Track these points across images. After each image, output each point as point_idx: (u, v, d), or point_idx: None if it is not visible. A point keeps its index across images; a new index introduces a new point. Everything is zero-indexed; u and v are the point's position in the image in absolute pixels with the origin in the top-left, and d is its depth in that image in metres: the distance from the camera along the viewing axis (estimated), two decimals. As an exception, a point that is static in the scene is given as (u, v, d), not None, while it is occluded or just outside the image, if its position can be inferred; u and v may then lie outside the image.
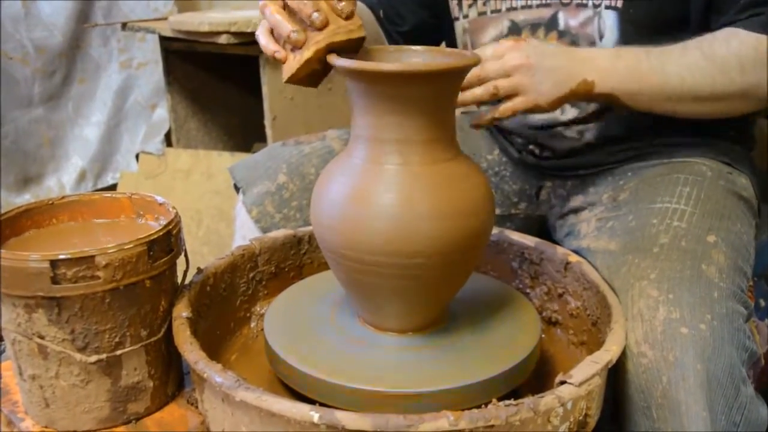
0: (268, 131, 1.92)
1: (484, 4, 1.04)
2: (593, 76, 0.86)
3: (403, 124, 0.70)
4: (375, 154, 0.71)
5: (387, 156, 0.71)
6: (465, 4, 1.06)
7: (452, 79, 0.71)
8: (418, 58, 0.77)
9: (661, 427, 0.70)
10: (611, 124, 1.00)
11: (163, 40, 2.15)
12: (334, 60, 0.69)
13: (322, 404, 0.63)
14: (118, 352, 0.75)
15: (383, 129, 0.71)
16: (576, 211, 1.03)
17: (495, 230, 0.93)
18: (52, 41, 2.47)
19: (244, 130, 2.41)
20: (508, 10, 1.02)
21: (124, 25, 2.21)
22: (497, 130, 1.13)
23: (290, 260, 0.95)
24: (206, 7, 2.71)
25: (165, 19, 2.24)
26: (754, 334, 1.02)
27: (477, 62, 0.71)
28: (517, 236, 0.94)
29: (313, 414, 0.59)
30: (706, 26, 0.92)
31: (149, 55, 2.65)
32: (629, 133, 1.00)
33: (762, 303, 1.16)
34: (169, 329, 0.76)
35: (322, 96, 1.97)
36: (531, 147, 1.08)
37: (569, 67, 0.86)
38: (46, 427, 0.77)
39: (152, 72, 2.66)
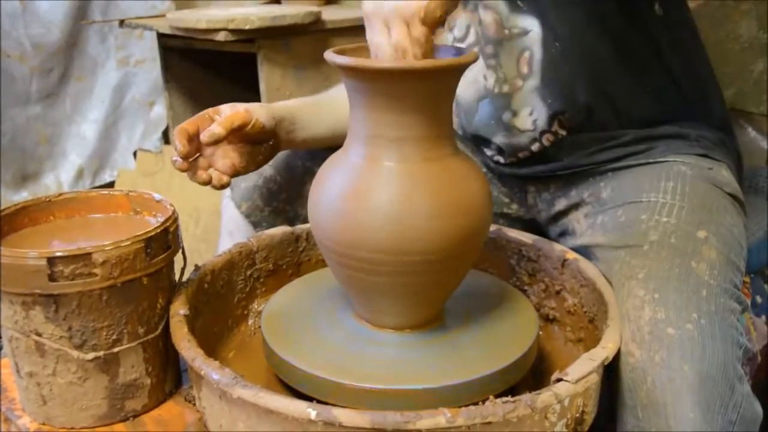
0: (267, 128, 1.92)
1: None
2: None
3: (401, 121, 0.70)
4: (373, 152, 0.71)
5: (385, 153, 0.71)
6: None
7: (450, 75, 0.71)
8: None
9: (646, 426, 0.70)
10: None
11: (161, 37, 2.14)
12: (332, 57, 0.69)
13: (319, 401, 0.63)
14: (116, 350, 0.75)
15: (381, 126, 0.70)
16: (564, 213, 1.01)
17: (493, 227, 0.93)
18: (49, 38, 2.46)
19: (242, 128, 2.40)
20: None
21: (121, 23, 2.20)
22: (469, 140, 1.10)
23: (288, 257, 0.95)
24: (204, 4, 2.70)
25: (163, 16, 2.23)
26: (751, 330, 1.02)
27: (475, 59, 0.71)
28: (514, 233, 0.94)
29: (311, 411, 0.59)
30: None
31: (147, 52, 2.65)
32: (597, 128, 0.97)
33: (759, 300, 1.16)
34: (167, 326, 0.76)
35: (319, 92, 1.97)
36: (496, 158, 1.04)
37: None
38: (43, 424, 0.77)
39: (150, 69, 2.65)
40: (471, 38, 1.00)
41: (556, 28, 0.93)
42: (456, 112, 1.05)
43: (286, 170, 1.04)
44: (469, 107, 1.03)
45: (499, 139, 1.01)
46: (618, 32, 0.93)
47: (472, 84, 1.01)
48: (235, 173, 0.90)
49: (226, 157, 0.89)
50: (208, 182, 0.87)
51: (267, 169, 1.04)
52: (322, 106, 1.02)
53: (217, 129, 0.84)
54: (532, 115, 0.97)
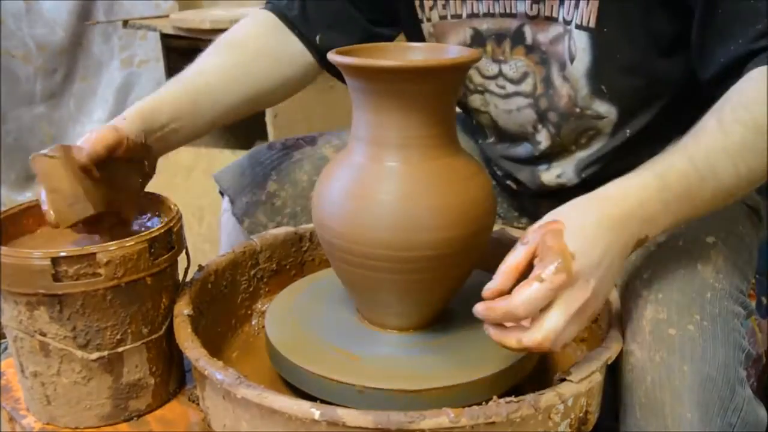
0: (270, 129, 1.92)
1: (444, 7, 0.94)
2: (645, 231, 0.68)
3: (404, 121, 0.70)
4: (376, 152, 0.71)
5: (388, 153, 0.71)
6: (426, 6, 0.95)
7: (452, 74, 0.71)
8: (418, 54, 0.77)
9: (644, 426, 0.70)
10: (595, 171, 0.94)
11: (165, 37, 2.15)
12: (335, 57, 0.70)
13: (323, 401, 0.63)
14: (120, 350, 0.75)
15: (384, 126, 0.71)
16: None
17: (496, 227, 0.93)
18: (53, 38, 2.47)
19: (245, 128, 2.39)
20: (469, 16, 0.92)
21: (125, 23, 2.21)
22: (481, 158, 1.07)
23: (291, 257, 0.95)
24: (208, 5, 2.71)
25: (166, 16, 2.23)
26: (756, 332, 1.02)
27: (478, 58, 0.71)
28: (518, 233, 0.94)
29: (314, 411, 0.59)
30: (699, 49, 0.80)
31: (150, 52, 2.65)
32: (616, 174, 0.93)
33: (765, 301, 1.15)
34: (171, 326, 0.76)
35: (323, 93, 1.97)
36: (508, 182, 1.03)
37: (619, 242, 0.66)
38: (47, 424, 0.77)
39: (154, 70, 2.65)
40: (526, 87, 0.92)
41: (633, 118, 0.90)
42: (495, 131, 1.01)
43: (290, 185, 1.02)
44: (513, 140, 0.99)
45: (523, 176, 0.99)
46: (690, 121, 0.82)
47: (516, 121, 0.95)
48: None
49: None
50: None
51: (270, 184, 1.01)
52: (200, 102, 0.90)
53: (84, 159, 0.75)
54: (560, 177, 0.96)
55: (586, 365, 0.65)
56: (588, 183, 0.91)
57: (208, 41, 1.92)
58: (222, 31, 1.79)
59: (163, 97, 0.88)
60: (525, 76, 0.92)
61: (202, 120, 0.90)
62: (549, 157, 0.96)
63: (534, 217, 1.05)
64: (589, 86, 0.87)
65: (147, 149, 0.82)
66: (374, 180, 0.70)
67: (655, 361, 0.70)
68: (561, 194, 0.98)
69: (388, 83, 0.68)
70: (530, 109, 0.93)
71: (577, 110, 0.89)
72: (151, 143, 0.83)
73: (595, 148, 0.93)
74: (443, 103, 0.71)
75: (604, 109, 0.89)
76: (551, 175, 0.97)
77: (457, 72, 0.71)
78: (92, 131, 0.77)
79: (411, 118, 0.70)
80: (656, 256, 0.79)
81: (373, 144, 0.71)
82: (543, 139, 0.94)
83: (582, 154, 0.94)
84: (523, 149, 0.98)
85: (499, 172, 1.04)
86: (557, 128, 0.92)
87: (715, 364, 0.69)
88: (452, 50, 0.77)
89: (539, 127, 0.94)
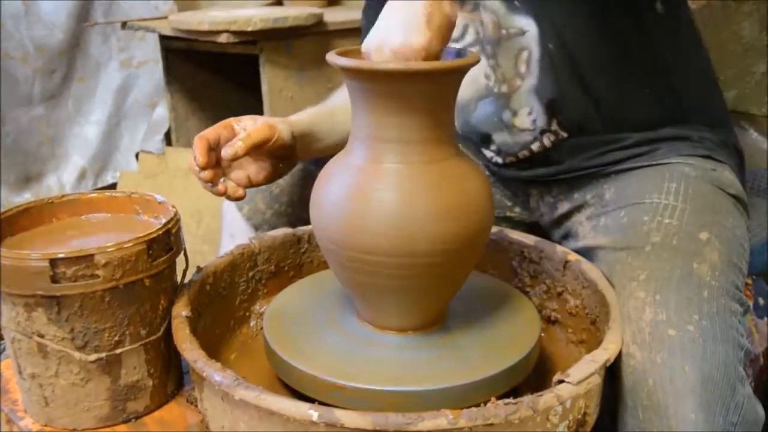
0: (269, 130, 1.92)
1: None
2: None
3: (403, 123, 0.70)
4: (375, 154, 0.71)
5: (387, 155, 0.71)
6: None
7: (452, 77, 0.71)
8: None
9: (647, 427, 0.70)
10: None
11: (163, 38, 2.15)
12: (334, 59, 0.70)
13: (321, 403, 0.63)
14: (118, 351, 0.75)
15: (383, 128, 0.71)
16: (566, 216, 1.01)
17: (494, 229, 0.93)
18: (52, 40, 2.47)
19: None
20: None
21: (124, 24, 2.21)
22: (471, 143, 1.09)
23: (290, 259, 0.96)
24: (206, 6, 2.71)
25: (165, 17, 2.23)
26: (753, 332, 1.02)
27: (477, 61, 0.71)
28: (516, 235, 0.94)
29: (312, 412, 0.59)
30: None
31: (149, 53, 2.65)
32: (598, 131, 0.96)
33: (761, 301, 1.16)
34: (169, 328, 0.76)
35: (322, 95, 1.97)
36: (492, 154, 1.04)
37: None
38: (45, 425, 0.77)
39: (152, 71, 2.65)
40: (469, 38, 0.99)
41: (552, 27, 0.93)
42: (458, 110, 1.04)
43: (288, 173, 1.04)
44: (466, 106, 1.02)
45: (499, 137, 1.01)
46: (617, 31, 0.92)
47: (471, 83, 1.00)
48: (250, 186, 0.90)
49: (241, 168, 0.89)
50: (223, 194, 0.87)
51: None
52: (337, 113, 1.01)
53: (239, 148, 0.84)
54: (531, 114, 0.97)
55: (585, 367, 0.65)
56: (559, 123, 0.96)
57: (207, 42, 1.92)
58: (220, 32, 1.81)
59: (306, 110, 1.02)
60: (465, 29, 0.99)
61: (339, 129, 0.98)
62: (504, 98, 0.98)
63: (525, 205, 1.06)
64: (504, 5, 0.94)
65: (291, 151, 0.93)
66: (373, 182, 0.70)
67: (656, 363, 0.70)
68: (547, 182, 1.00)
69: (387, 85, 0.68)
70: (482, 58, 0.98)
71: (503, 32, 0.95)
72: (293, 144, 0.93)
73: (535, 73, 0.95)
74: (442, 105, 0.71)
75: (524, 22, 0.94)
76: (521, 118, 0.98)
77: (455, 75, 0.71)
78: (250, 118, 0.90)
79: (410, 119, 0.70)
80: (651, 257, 0.79)
81: (372, 145, 0.71)
82: (492, 81, 0.98)
83: (529, 83, 0.96)
84: (474, 92, 1.01)
85: (487, 153, 1.05)
86: (494, 59, 0.97)
87: (715, 363, 0.69)
88: (450, 53, 0.77)
89: (489, 72, 0.98)
